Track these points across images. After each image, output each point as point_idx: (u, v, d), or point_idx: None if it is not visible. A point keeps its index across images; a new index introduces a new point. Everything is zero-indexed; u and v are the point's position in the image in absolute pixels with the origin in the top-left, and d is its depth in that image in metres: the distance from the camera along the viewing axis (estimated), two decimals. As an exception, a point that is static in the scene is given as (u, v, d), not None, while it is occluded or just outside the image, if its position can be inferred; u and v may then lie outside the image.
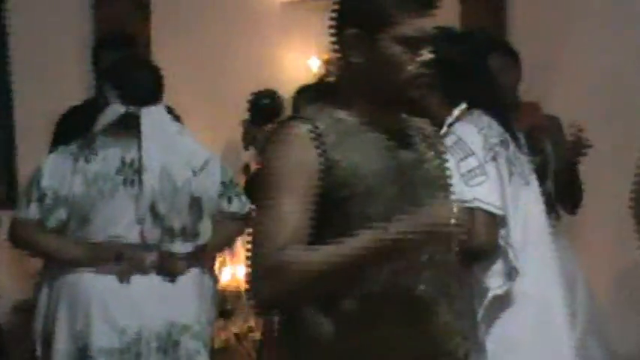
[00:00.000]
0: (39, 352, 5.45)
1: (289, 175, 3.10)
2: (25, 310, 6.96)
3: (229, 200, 5.55)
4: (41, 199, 5.32)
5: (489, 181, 4.52)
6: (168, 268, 5.38)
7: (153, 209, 5.31)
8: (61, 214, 5.32)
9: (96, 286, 5.27)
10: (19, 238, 5.49)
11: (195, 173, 5.42)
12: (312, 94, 6.03)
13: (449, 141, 4.46)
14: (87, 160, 5.30)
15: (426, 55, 3.15)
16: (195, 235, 5.45)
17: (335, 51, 3.29)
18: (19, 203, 5.55)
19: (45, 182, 5.34)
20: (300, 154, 3.11)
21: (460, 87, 4.66)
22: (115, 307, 5.26)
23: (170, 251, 5.41)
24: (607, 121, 6.69)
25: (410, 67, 3.14)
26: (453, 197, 3.44)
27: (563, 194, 6.18)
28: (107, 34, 7.36)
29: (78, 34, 7.83)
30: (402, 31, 3.12)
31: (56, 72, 7.66)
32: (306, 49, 8.59)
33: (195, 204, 5.43)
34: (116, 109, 5.31)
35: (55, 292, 5.37)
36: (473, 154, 4.59)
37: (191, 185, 5.40)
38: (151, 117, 5.34)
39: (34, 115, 7.43)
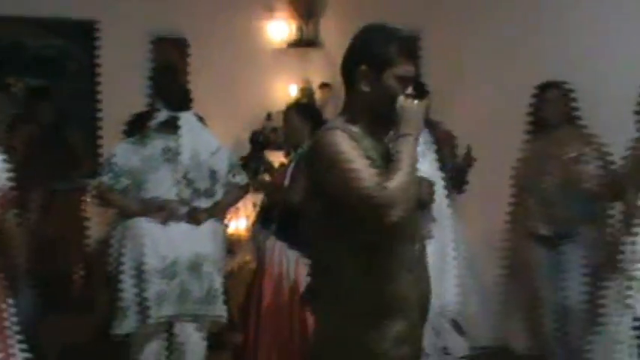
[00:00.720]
0: (113, 269, 5.56)
1: (351, 149, 2.96)
2: (103, 242, 7.44)
3: (234, 175, 5.66)
4: (113, 170, 5.49)
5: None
6: (194, 217, 5.51)
7: (185, 177, 5.47)
8: (125, 181, 5.49)
9: (146, 227, 5.42)
10: (99, 196, 5.64)
11: (212, 154, 5.57)
12: (296, 107, 5.99)
13: None
14: (142, 146, 5.49)
15: (409, 90, 3.08)
16: (212, 195, 5.59)
17: (345, 81, 3.15)
18: (100, 174, 5.63)
19: (116, 160, 5.51)
20: (350, 142, 2.98)
21: None
22: (159, 241, 5.40)
23: (195, 206, 5.54)
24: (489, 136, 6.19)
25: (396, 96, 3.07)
26: None
27: (457, 182, 5.90)
28: (158, 67, 7.61)
29: (141, 65, 7.92)
30: (398, 72, 3.05)
31: (125, 89, 7.66)
32: (287, 79, 8.69)
33: (213, 175, 5.58)
34: (163, 114, 5.51)
35: (123, 230, 5.51)
36: None
37: (209, 162, 5.56)
38: (185, 119, 5.52)
39: (112, 117, 7.42)
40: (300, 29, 8.69)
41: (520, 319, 6.51)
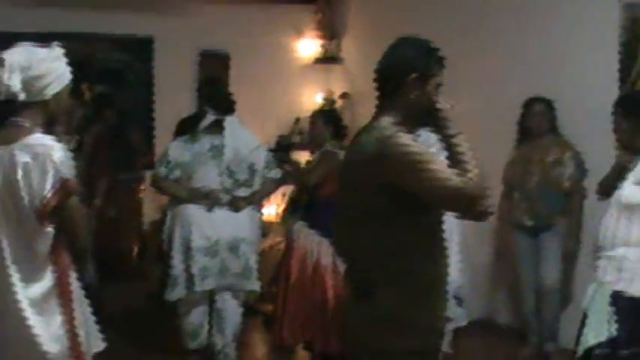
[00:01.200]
0: (165, 246, 5.64)
1: (425, 149, 2.85)
2: (156, 223, 7.40)
3: (270, 170, 5.61)
4: (167, 164, 5.53)
5: None
6: (235, 204, 5.50)
7: (228, 169, 5.46)
8: (177, 172, 5.51)
9: (194, 212, 5.43)
10: (155, 185, 5.67)
11: (251, 151, 5.55)
12: (321, 114, 5.97)
13: None
14: (192, 144, 5.50)
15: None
16: (250, 185, 5.56)
17: (387, 88, 2.95)
18: (155, 166, 5.72)
19: (170, 155, 5.55)
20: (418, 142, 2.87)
21: None
22: (205, 224, 5.42)
23: (236, 194, 5.51)
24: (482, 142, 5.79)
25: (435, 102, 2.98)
26: None
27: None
28: (205, 78, 7.53)
29: (190, 77, 7.93)
30: (438, 80, 2.96)
31: (175, 96, 7.66)
32: (313, 90, 8.68)
33: (251, 168, 5.55)
34: (211, 117, 5.50)
35: (174, 214, 5.55)
36: None
37: (249, 157, 5.53)
38: (229, 121, 5.51)
39: (164, 120, 7.46)
40: (324, 47, 8.71)
41: (504, 297, 6.65)
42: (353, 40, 8.60)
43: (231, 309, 5.64)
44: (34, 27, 6.26)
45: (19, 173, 3.08)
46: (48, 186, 3.09)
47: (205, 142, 5.54)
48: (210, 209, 5.49)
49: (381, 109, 3.00)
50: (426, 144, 3.75)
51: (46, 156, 3.09)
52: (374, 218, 2.91)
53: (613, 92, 5.45)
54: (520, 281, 6.07)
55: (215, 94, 5.82)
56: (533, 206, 5.82)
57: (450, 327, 4.93)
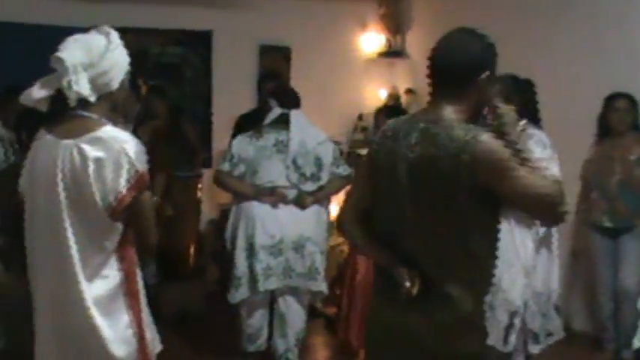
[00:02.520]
0: (228, 246, 5.58)
1: (511, 152, 2.75)
2: (214, 222, 7.46)
3: (337, 166, 5.56)
4: (231, 159, 5.47)
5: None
6: (301, 201, 5.44)
7: (294, 163, 5.40)
8: (241, 168, 5.46)
9: (258, 209, 5.38)
10: (219, 181, 5.58)
11: (318, 144, 5.50)
12: (385, 110, 5.99)
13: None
14: (257, 139, 5.45)
15: None
16: (317, 180, 5.48)
17: (457, 85, 2.83)
18: (220, 162, 5.62)
19: (234, 150, 5.49)
20: None
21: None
22: (269, 222, 5.37)
23: (302, 190, 5.44)
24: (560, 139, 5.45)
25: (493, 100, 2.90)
26: None
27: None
28: (266, 72, 7.52)
29: (250, 71, 8.07)
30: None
31: (233, 92, 7.79)
32: (377, 85, 8.69)
33: (318, 162, 5.49)
34: (276, 111, 5.47)
35: (238, 211, 5.51)
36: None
37: (316, 150, 5.47)
38: (295, 115, 5.48)
39: (222, 116, 7.64)
40: (389, 42, 8.69)
41: (579, 302, 6.52)
42: (418, 35, 8.54)
43: (295, 312, 5.58)
44: (88, 22, 6.24)
45: (91, 168, 3.03)
46: (123, 181, 3.05)
47: (270, 137, 5.49)
48: (275, 206, 5.44)
49: (443, 105, 2.88)
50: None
51: (121, 150, 3.04)
52: (461, 220, 2.82)
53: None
54: (597, 285, 5.97)
55: (280, 88, 5.80)
56: (614, 206, 5.71)
57: (550, 341, 4.90)
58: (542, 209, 2.80)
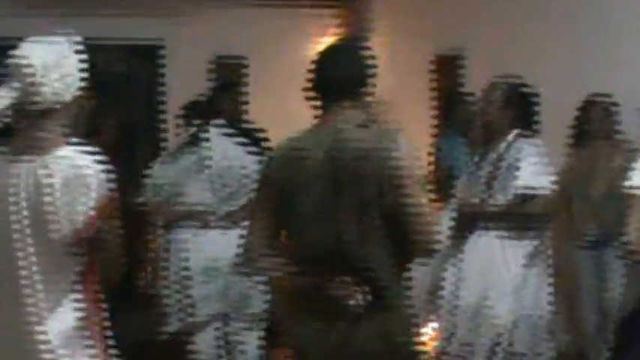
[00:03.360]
0: (160, 274, 5.62)
1: None
2: None
3: None
4: (152, 185, 5.37)
5: None
6: (230, 219, 5.20)
7: (218, 183, 5.28)
8: (164, 193, 5.35)
9: (186, 234, 5.30)
10: (144, 210, 5.53)
11: (241, 160, 5.27)
12: None
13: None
14: (177, 159, 5.35)
15: None
16: (246, 194, 5.14)
17: None
18: (143, 190, 5.47)
19: (153, 175, 5.40)
20: None
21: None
22: (200, 246, 5.28)
23: (230, 209, 5.24)
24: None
25: None
26: None
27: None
28: (219, 84, 7.24)
29: (205, 83, 7.55)
30: None
31: None
32: None
33: (242, 179, 5.22)
34: (191, 128, 5.37)
35: (165, 238, 5.46)
36: None
37: (241, 165, 5.27)
38: (215, 128, 5.32)
39: None
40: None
41: (562, 317, 6.10)
42: (379, 44, 8.33)
43: (243, 338, 5.40)
44: (27, 34, 6.08)
45: (57, 189, 2.79)
46: (91, 203, 2.81)
47: (190, 155, 5.34)
48: (203, 228, 5.29)
49: (347, 114, 2.96)
50: None
51: (89, 169, 2.81)
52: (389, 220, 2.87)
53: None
54: (581, 301, 5.75)
55: (194, 102, 5.63)
56: (596, 217, 5.54)
57: None
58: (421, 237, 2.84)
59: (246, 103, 5.61)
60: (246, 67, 8.20)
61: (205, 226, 5.26)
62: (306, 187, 2.89)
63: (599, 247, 5.57)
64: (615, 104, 5.57)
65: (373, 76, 2.99)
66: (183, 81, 7.64)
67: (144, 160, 7.12)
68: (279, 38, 8.17)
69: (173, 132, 5.88)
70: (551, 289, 4.60)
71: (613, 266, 5.48)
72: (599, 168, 5.56)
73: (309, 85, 3.03)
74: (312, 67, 3.04)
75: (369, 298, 2.83)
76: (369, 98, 2.97)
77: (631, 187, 3.44)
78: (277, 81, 8.00)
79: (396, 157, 2.83)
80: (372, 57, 3.04)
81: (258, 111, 5.52)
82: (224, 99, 5.95)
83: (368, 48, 3.10)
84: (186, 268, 5.23)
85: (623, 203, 5.32)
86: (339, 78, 2.99)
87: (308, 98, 3.03)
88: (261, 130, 5.86)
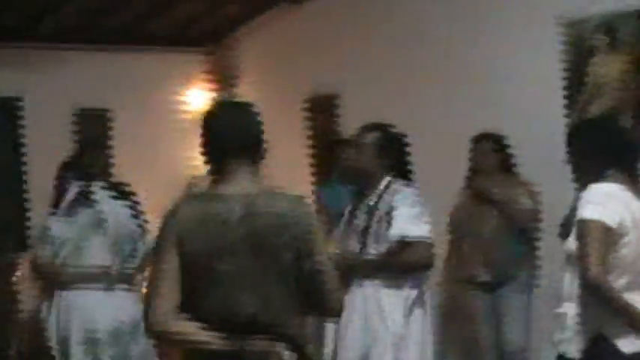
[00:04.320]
0: (55, 342, 5.21)
1: None
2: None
3: None
4: (48, 243, 5.18)
5: None
6: (128, 280, 5.21)
7: (114, 243, 5.16)
8: (60, 252, 5.16)
9: (89, 296, 5.14)
10: (38, 270, 5.34)
11: (134, 219, 5.31)
12: None
13: None
14: (73, 217, 5.19)
15: None
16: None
17: None
18: (38, 246, 5.32)
19: (50, 232, 5.19)
20: None
21: None
22: (102, 308, 5.11)
23: (127, 270, 5.19)
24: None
25: None
26: None
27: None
28: (83, 141, 7.10)
29: (67, 138, 7.57)
30: None
31: (54, 163, 7.07)
32: None
33: (137, 238, 5.28)
34: (74, 188, 5.23)
35: (64, 301, 5.15)
36: None
37: (131, 225, 5.30)
38: (99, 187, 5.24)
39: (39, 191, 6.73)
40: (217, 95, 8.28)
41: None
42: (249, 88, 8.21)
43: None
44: None
45: None
46: None
47: (87, 213, 5.18)
48: (106, 290, 5.14)
49: (248, 176, 2.96)
50: None
51: None
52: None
53: (561, 120, 5.50)
54: (478, 345, 5.67)
55: (85, 159, 5.56)
56: (489, 257, 5.49)
57: None
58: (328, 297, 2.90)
59: (113, 157, 5.29)
60: (110, 119, 7.81)
61: (105, 287, 5.13)
62: (220, 252, 2.84)
63: (493, 290, 5.53)
64: (503, 139, 5.61)
65: (263, 134, 2.98)
66: (44, 135, 7.40)
67: (5, 222, 6.86)
68: (145, 86, 7.89)
69: (53, 191, 5.63)
70: (431, 338, 4.42)
71: (511, 309, 5.49)
72: (491, 206, 5.53)
73: (205, 145, 2.96)
74: (207, 126, 2.97)
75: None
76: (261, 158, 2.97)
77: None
78: (143, 132, 7.79)
79: (309, 223, 2.88)
80: (259, 114, 3.02)
81: (128, 164, 5.24)
82: (91, 157, 5.68)
83: (255, 105, 3.06)
84: (88, 333, 5.04)
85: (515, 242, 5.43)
86: (240, 138, 2.95)
87: (205, 158, 2.96)
88: (132, 192, 5.61)
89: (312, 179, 7.10)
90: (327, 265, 2.90)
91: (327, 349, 4.25)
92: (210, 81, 8.34)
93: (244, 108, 3.07)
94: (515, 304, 5.49)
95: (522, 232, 5.51)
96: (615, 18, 5.48)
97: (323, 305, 2.94)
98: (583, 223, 3.23)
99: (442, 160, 5.89)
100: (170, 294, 2.88)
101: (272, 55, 7.95)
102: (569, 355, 3.38)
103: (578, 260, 3.22)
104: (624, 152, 3.45)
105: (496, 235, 5.50)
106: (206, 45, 8.33)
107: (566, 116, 5.66)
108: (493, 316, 5.54)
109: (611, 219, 3.19)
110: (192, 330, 2.86)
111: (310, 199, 6.00)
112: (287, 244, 2.84)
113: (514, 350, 5.49)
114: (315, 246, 2.86)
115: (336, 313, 3.07)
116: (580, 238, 3.23)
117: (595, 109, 5.56)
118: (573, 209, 3.99)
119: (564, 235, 4.39)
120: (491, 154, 5.56)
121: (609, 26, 5.52)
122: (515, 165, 5.61)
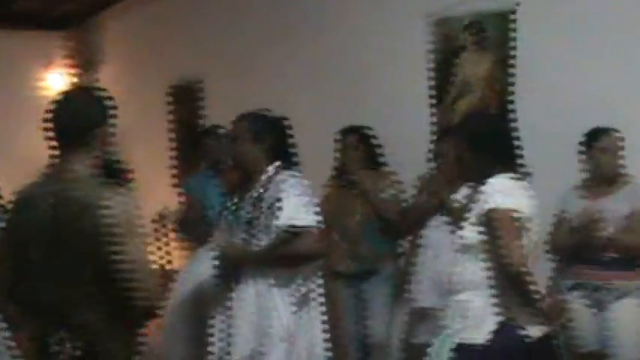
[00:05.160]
0: None
1: None
2: None
3: None
4: None
5: None
6: None
7: None
8: None
9: None
10: None
11: None
12: None
13: None
14: None
15: None
16: None
17: None
18: None
19: None
20: None
21: None
22: None
23: None
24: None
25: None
26: None
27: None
28: None
29: None
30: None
31: None
32: None
33: None
34: None
35: None
36: None
37: None
38: None
39: None
40: (78, 79, 8.21)
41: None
42: (111, 71, 8.05)
43: None
44: None
45: None
46: None
47: None
48: None
49: (71, 161, 2.94)
50: None
51: None
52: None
53: (427, 116, 5.56)
54: (343, 338, 5.56)
55: None
56: (354, 249, 5.47)
57: None
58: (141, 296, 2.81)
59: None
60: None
61: None
62: (31, 237, 2.88)
63: (358, 282, 5.51)
64: (370, 133, 5.58)
65: (108, 118, 2.95)
66: None
67: None
68: (4, 68, 7.68)
69: None
70: (322, 332, 4.27)
71: (375, 302, 5.48)
72: (357, 198, 5.52)
73: (46, 129, 2.99)
74: (47, 112, 3.00)
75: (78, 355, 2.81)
76: (105, 142, 2.95)
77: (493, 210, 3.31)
78: (2, 113, 7.67)
79: (118, 213, 2.78)
80: (108, 97, 2.99)
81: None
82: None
83: (102, 89, 3.05)
84: None
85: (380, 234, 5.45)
86: (67, 123, 2.96)
87: (47, 142, 2.98)
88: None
89: (176, 169, 6.99)
90: (137, 259, 2.78)
91: (216, 347, 4.07)
92: (71, 64, 8.20)
93: (84, 94, 3.09)
94: (379, 297, 5.47)
95: (388, 225, 5.47)
96: (483, 18, 5.52)
97: (130, 302, 2.82)
98: (495, 212, 3.30)
99: (310, 151, 5.85)
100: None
101: (136, 40, 7.82)
102: (472, 342, 3.39)
103: (491, 249, 3.30)
104: (512, 147, 3.54)
105: (361, 227, 5.47)
106: (68, 27, 8.16)
107: (433, 113, 5.71)
108: (357, 308, 5.51)
109: (520, 207, 3.32)
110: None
111: (177, 190, 5.95)
112: (88, 233, 2.78)
113: (377, 342, 5.48)
114: (123, 237, 2.76)
115: (145, 311, 2.90)
116: (494, 227, 3.30)
117: (462, 106, 5.61)
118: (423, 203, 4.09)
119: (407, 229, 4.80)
120: (358, 148, 5.52)
121: (477, 26, 5.57)
122: (381, 158, 5.57)
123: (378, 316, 5.47)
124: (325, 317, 4.20)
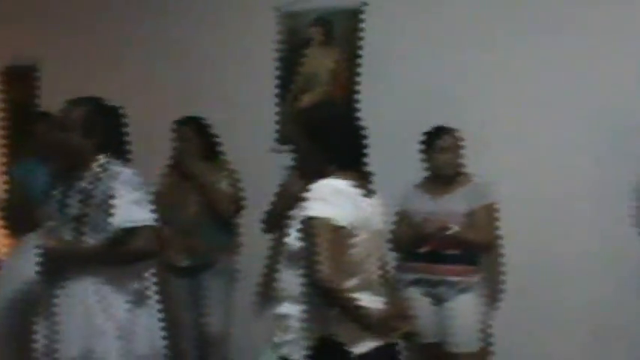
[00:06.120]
0: None
1: None
2: None
3: None
4: None
5: None
6: None
7: None
8: None
9: None
10: None
11: None
12: None
13: None
14: None
15: None
16: None
17: None
18: None
19: None
20: None
21: None
22: None
23: None
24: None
25: None
26: None
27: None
28: None
29: None
30: None
31: None
32: None
33: None
34: None
35: None
36: None
37: None
38: None
39: None
40: None
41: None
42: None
43: None
44: None
45: None
46: None
47: None
48: None
49: None
50: None
51: None
52: None
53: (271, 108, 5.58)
54: (180, 332, 5.54)
55: None
56: (190, 243, 5.41)
57: None
58: None
59: None
60: None
61: None
62: None
63: (194, 275, 5.47)
64: (206, 124, 5.57)
65: None
66: None
67: None
68: None
69: None
70: (161, 326, 4.10)
71: (211, 295, 5.46)
72: (192, 190, 5.47)
73: None
74: None
75: None
76: None
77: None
78: None
79: None
80: None
81: None
82: None
83: None
84: None
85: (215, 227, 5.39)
86: None
87: None
88: None
89: (5, 155, 6.72)
90: None
91: (39, 344, 3.90)
92: None
93: None
94: (215, 290, 5.47)
95: (223, 218, 5.44)
96: (331, 14, 5.57)
97: None
98: (311, 221, 3.02)
99: (146, 143, 5.75)
100: None
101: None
102: (292, 358, 3.16)
103: (306, 260, 3.01)
104: (348, 146, 3.26)
105: (196, 220, 5.42)
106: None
107: (278, 105, 5.72)
108: (193, 301, 5.50)
109: (340, 217, 3.02)
110: None
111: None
112: None
113: (213, 335, 5.48)
114: None
115: None
116: (308, 237, 3.02)
117: (307, 99, 5.63)
118: (281, 202, 4.04)
119: (268, 229, 4.57)
120: (193, 139, 5.47)
121: (325, 21, 5.61)
122: (218, 150, 5.53)
123: (215, 310, 5.47)
124: (163, 312, 4.05)
